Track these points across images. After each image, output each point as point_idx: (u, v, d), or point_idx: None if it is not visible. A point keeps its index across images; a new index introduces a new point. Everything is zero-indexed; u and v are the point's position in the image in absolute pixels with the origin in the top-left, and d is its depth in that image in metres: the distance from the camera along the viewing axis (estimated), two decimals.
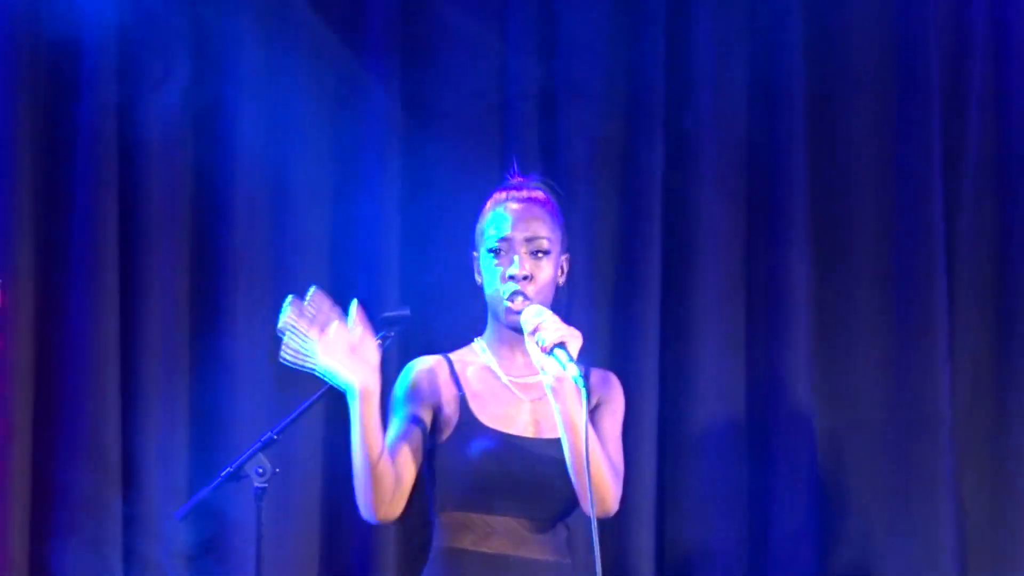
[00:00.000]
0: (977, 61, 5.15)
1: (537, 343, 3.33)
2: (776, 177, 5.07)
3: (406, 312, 3.54)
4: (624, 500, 4.86)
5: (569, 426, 3.35)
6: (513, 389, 3.53)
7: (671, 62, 5.07)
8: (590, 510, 3.27)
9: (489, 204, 3.63)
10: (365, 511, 3.41)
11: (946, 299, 5.05)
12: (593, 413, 3.53)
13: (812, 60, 5.11)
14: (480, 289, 3.61)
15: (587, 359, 3.59)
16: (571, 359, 3.27)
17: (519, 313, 3.45)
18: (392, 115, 4.89)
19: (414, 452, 3.45)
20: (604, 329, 4.89)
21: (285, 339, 3.35)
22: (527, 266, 3.51)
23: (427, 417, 3.51)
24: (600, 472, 3.35)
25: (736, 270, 5.07)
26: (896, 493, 5.00)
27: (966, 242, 5.12)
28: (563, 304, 3.63)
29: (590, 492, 3.21)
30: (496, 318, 3.57)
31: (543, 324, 3.34)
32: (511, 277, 3.51)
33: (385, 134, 4.88)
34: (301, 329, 3.35)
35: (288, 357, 3.35)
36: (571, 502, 3.48)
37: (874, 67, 5.14)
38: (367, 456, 3.33)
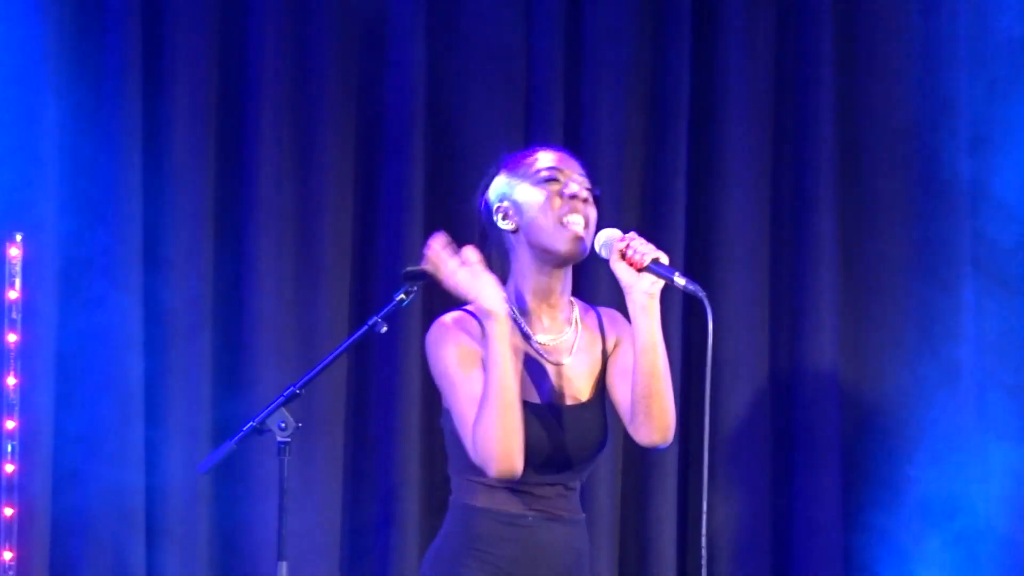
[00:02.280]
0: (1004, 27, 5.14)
1: (631, 259, 3.30)
2: (803, 153, 5.09)
3: (429, 267, 3.51)
4: (648, 475, 4.92)
5: (651, 346, 3.31)
6: (540, 354, 3.45)
7: (697, 6, 5.07)
8: (647, 438, 3.33)
9: (520, 156, 3.52)
10: (505, 461, 3.27)
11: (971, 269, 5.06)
12: (616, 353, 3.50)
13: (840, 15, 5.10)
14: (502, 240, 3.48)
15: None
16: (675, 271, 3.29)
17: (580, 238, 3.40)
18: (418, 72, 4.89)
19: None
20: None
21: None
22: (584, 193, 3.43)
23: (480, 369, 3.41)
24: (670, 396, 3.35)
25: (760, 248, 5.08)
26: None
27: (992, 206, 5.11)
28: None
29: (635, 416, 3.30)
30: (541, 255, 3.41)
31: (634, 242, 3.33)
32: (572, 196, 3.40)
33: (411, 90, 4.89)
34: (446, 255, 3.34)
35: (429, 268, 3.36)
36: (595, 465, 3.47)
37: (902, 20, 5.12)
38: (513, 386, 3.28)
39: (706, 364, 3.25)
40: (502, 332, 3.29)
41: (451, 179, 4.91)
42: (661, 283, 3.31)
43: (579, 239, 3.39)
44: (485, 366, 3.32)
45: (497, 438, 3.27)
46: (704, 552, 3.33)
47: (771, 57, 5.11)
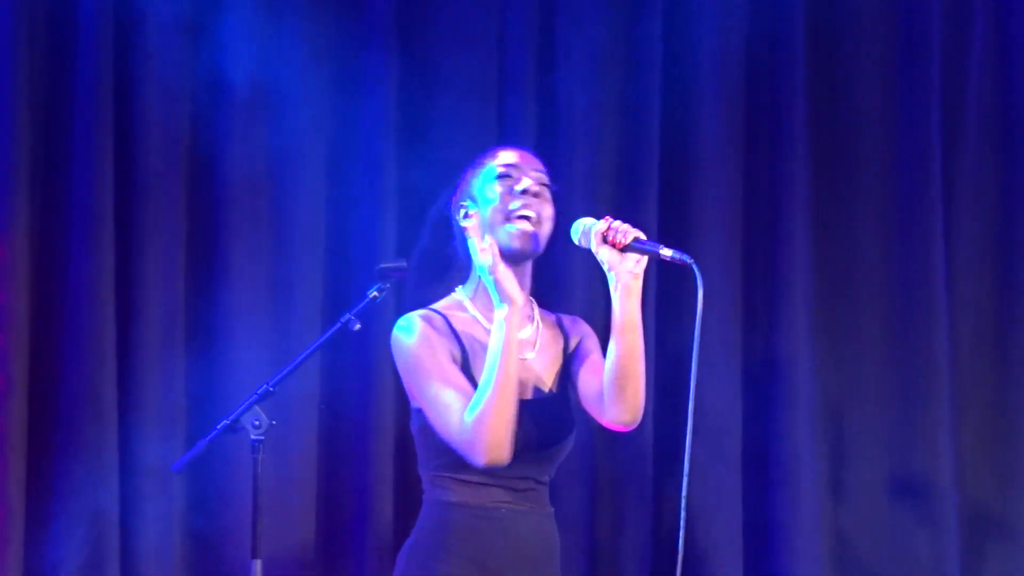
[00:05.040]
0: (978, 11, 5.16)
1: (614, 240, 3.33)
2: (777, 142, 5.09)
3: (403, 264, 3.52)
4: (622, 468, 4.92)
5: (629, 327, 3.36)
6: None
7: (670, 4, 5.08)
8: (619, 419, 3.38)
9: (484, 155, 3.57)
10: (499, 449, 3.31)
11: (944, 262, 5.08)
12: (580, 348, 3.54)
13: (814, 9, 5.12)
14: (463, 240, 3.51)
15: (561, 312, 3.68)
16: (660, 244, 3.32)
17: (529, 234, 3.43)
18: (390, 72, 4.89)
19: None
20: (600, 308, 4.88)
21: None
22: (536, 188, 3.48)
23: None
24: (643, 377, 3.38)
25: (734, 244, 5.08)
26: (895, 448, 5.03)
27: (965, 194, 5.13)
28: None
29: (614, 399, 3.34)
30: (498, 252, 3.45)
31: (614, 223, 3.36)
32: (523, 192, 3.47)
33: (383, 90, 4.89)
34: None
35: (471, 233, 3.41)
36: (563, 459, 3.50)
37: (876, 15, 5.14)
38: (516, 375, 3.32)
39: (691, 344, 3.27)
40: (516, 322, 3.33)
41: (424, 176, 4.90)
42: (645, 261, 3.35)
43: (527, 235, 3.44)
44: (460, 360, 3.37)
45: (497, 425, 3.31)
46: (681, 547, 3.34)
47: (744, 50, 5.11)
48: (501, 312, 3.35)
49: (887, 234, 5.12)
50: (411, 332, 3.45)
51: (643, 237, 3.37)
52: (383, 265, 3.50)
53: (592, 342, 3.57)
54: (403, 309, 3.58)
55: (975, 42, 5.14)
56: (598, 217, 3.44)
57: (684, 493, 3.34)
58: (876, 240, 5.11)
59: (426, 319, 3.47)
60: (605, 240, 3.37)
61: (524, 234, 3.44)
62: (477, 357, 3.45)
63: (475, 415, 3.30)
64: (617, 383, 3.38)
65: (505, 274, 3.37)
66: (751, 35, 5.11)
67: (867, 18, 5.15)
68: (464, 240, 3.49)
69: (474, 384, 3.37)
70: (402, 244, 4.78)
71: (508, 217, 3.45)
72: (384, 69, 4.87)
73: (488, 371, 3.32)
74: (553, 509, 3.52)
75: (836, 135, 5.14)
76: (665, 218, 5.03)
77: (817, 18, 5.12)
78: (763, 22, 5.11)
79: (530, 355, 3.51)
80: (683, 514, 3.31)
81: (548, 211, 3.48)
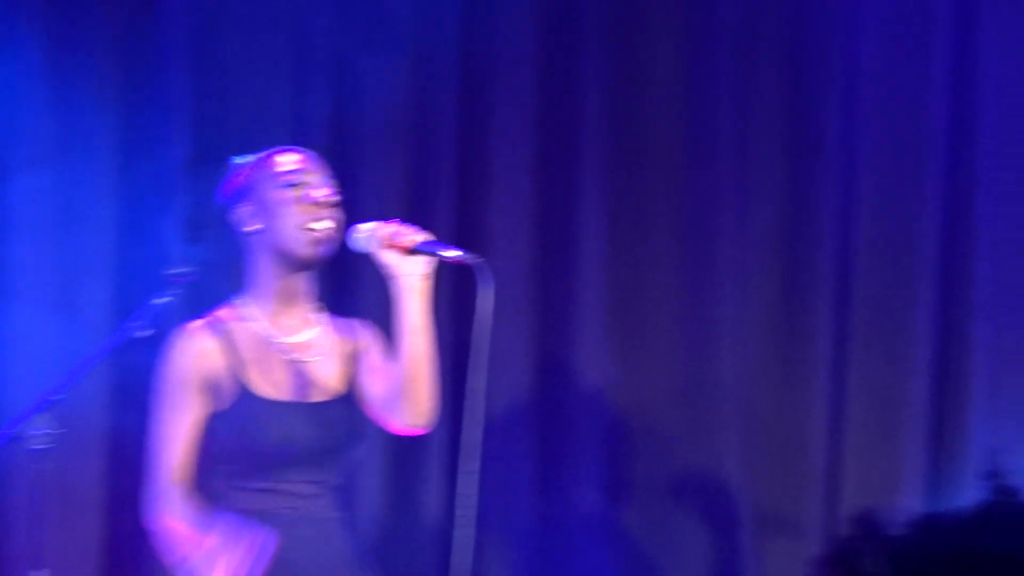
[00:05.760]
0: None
1: (400, 243, 3.33)
2: (572, 149, 5.14)
3: (189, 270, 3.49)
4: (417, 471, 4.93)
5: (415, 329, 3.36)
6: (285, 353, 3.48)
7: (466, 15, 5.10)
8: (408, 422, 3.38)
9: (262, 158, 3.52)
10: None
11: (732, 268, 5.17)
12: (366, 353, 3.54)
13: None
14: (242, 241, 3.47)
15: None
16: (444, 246, 3.33)
17: (323, 243, 3.42)
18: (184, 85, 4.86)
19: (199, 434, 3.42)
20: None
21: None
22: (328, 197, 3.45)
23: (203, 394, 3.43)
24: (433, 380, 3.39)
25: (529, 248, 5.12)
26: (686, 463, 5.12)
27: (753, 204, 5.23)
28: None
29: (402, 405, 3.36)
30: (284, 258, 3.44)
31: (400, 228, 3.36)
32: (315, 202, 3.43)
33: (177, 88, 4.85)
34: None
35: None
36: (352, 462, 3.50)
37: (671, 11, 5.22)
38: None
39: (482, 341, 3.29)
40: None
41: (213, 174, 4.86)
42: (432, 262, 3.35)
43: (320, 244, 3.42)
44: (230, 372, 3.37)
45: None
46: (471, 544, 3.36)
47: (537, 46, 5.16)
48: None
49: (681, 234, 5.20)
50: (169, 353, 3.45)
51: (430, 238, 3.38)
52: (169, 271, 3.46)
53: (379, 347, 3.56)
54: (194, 315, 3.54)
55: (768, 35, 5.24)
56: (379, 221, 3.43)
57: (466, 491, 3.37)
58: (670, 240, 5.19)
59: (187, 338, 3.45)
60: (390, 244, 3.37)
61: (319, 243, 3.43)
62: (251, 367, 3.43)
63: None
64: (407, 385, 3.39)
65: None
66: (544, 31, 5.15)
67: (661, 14, 5.22)
68: (239, 242, 3.47)
69: (249, 393, 3.38)
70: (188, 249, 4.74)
71: (301, 226, 3.43)
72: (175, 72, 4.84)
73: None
74: (345, 514, 3.50)
75: (631, 128, 5.20)
76: (461, 220, 5.04)
77: (612, 13, 5.18)
78: (556, 16, 5.16)
79: (314, 358, 3.50)
80: (470, 511, 3.34)
81: (339, 219, 3.48)
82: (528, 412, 5.06)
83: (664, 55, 5.20)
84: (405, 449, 4.95)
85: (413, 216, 4.97)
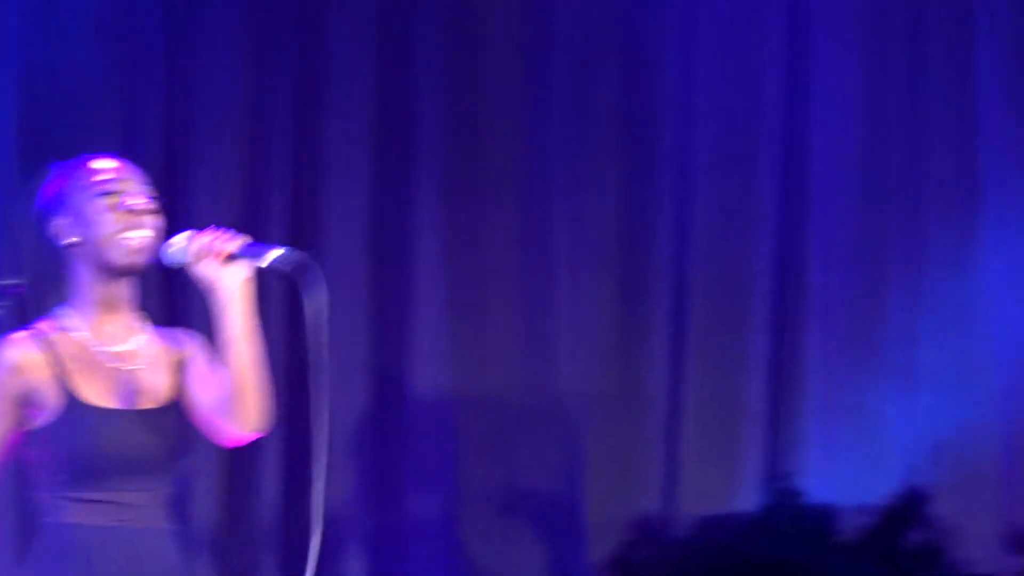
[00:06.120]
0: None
1: (218, 252, 3.28)
2: (409, 144, 5.14)
3: (20, 281, 3.43)
4: (252, 480, 4.89)
5: (244, 336, 3.31)
6: (110, 361, 3.44)
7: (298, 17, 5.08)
8: (240, 430, 3.32)
9: (74, 167, 3.47)
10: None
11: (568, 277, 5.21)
12: (192, 362, 3.50)
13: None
14: (59, 253, 3.38)
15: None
16: (266, 248, 3.29)
17: (142, 251, 3.36)
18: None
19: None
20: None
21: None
22: (147, 204, 3.39)
23: (21, 407, 3.36)
24: (264, 386, 3.35)
25: (364, 252, 5.11)
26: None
27: (590, 212, 5.28)
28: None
29: (235, 414, 3.30)
30: (103, 268, 3.36)
31: (215, 236, 3.29)
32: (132, 209, 3.35)
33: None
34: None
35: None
36: (182, 472, 3.46)
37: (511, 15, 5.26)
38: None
39: (318, 338, 3.27)
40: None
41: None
42: (252, 267, 3.31)
43: (140, 252, 3.38)
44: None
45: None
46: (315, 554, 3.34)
47: (374, 48, 5.16)
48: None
49: (518, 241, 5.23)
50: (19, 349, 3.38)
51: (248, 241, 3.33)
52: (2, 282, 3.40)
53: (205, 355, 3.52)
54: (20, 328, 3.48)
55: (605, 44, 5.29)
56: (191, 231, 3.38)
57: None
58: (506, 248, 5.22)
59: (10, 349, 3.39)
60: (206, 253, 3.33)
61: (137, 251, 3.37)
62: (76, 376, 3.35)
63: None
64: (237, 393, 3.35)
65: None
66: (382, 34, 5.15)
67: (499, 18, 5.25)
68: (56, 254, 3.41)
69: (75, 402, 3.33)
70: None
71: (118, 235, 3.38)
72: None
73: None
74: (178, 526, 3.46)
75: (468, 134, 5.22)
76: (296, 224, 5.02)
77: (449, 15, 5.19)
78: (394, 20, 5.16)
79: (138, 366, 3.45)
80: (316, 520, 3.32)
81: (159, 226, 3.43)
82: (365, 420, 5.05)
83: (502, 60, 5.23)
84: (239, 456, 4.91)
85: (248, 220, 4.96)
